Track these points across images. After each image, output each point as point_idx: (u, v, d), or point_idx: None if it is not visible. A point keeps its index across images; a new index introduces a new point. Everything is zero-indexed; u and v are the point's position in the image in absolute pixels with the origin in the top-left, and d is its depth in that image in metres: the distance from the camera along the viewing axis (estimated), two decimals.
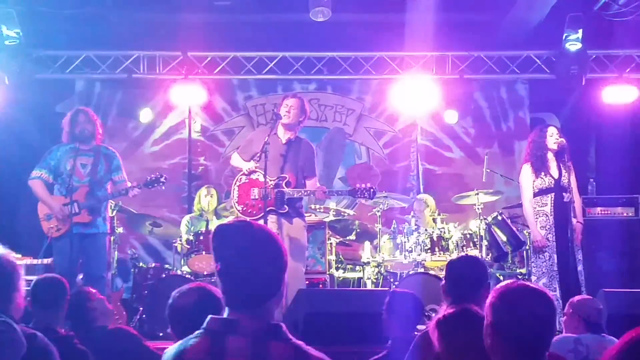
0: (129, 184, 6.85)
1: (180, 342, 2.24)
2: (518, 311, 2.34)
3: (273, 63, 9.46)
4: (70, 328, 4.30)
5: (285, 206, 6.56)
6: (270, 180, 6.52)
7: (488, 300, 2.44)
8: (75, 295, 4.46)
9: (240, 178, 6.77)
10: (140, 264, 7.88)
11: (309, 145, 6.95)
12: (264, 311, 2.24)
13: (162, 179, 6.84)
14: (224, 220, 8.35)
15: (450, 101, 9.33)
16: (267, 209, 6.36)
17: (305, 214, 7.24)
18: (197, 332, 2.23)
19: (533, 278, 7.03)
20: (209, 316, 2.24)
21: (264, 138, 6.47)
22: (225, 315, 2.24)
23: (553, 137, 6.98)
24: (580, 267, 6.79)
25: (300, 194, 6.65)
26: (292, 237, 6.59)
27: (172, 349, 2.25)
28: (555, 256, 6.85)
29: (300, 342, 2.22)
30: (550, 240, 6.87)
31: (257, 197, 6.61)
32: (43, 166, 6.74)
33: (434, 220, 8.27)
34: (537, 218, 6.98)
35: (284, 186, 6.58)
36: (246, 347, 2.15)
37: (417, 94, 9.21)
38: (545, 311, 2.36)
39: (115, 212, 7.96)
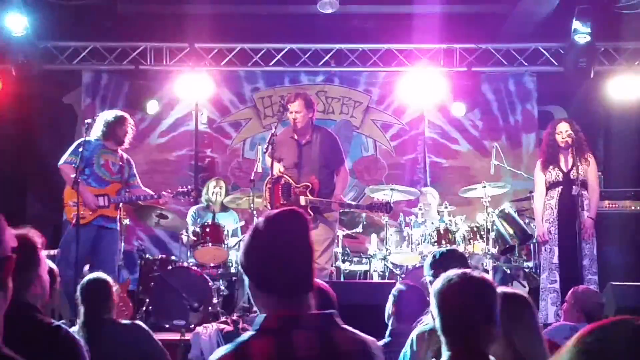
0: (151, 192, 7.29)
1: (229, 346, 2.07)
2: (452, 294, 2.41)
3: (280, 55, 9.45)
4: (84, 315, 4.25)
5: (311, 212, 6.54)
6: (296, 188, 6.66)
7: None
8: (98, 282, 4.37)
9: (270, 181, 6.79)
10: (147, 256, 7.87)
11: (328, 134, 6.91)
12: (310, 300, 2.16)
13: (193, 193, 7.54)
14: (230, 213, 8.44)
15: (457, 94, 9.27)
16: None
17: None
18: (248, 333, 2.09)
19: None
20: (260, 315, 2.11)
21: (286, 139, 6.66)
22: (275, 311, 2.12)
23: (561, 135, 6.97)
24: (585, 262, 6.77)
25: (318, 203, 6.66)
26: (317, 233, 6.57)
27: (221, 352, 2.07)
28: (556, 249, 6.86)
29: (349, 327, 2.20)
30: (552, 233, 6.89)
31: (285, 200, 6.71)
32: (75, 153, 6.83)
33: (439, 212, 8.25)
34: (544, 211, 6.99)
35: (309, 194, 6.59)
36: (314, 340, 2.07)
37: (424, 87, 9.20)
38: (477, 297, 2.39)
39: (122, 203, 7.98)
